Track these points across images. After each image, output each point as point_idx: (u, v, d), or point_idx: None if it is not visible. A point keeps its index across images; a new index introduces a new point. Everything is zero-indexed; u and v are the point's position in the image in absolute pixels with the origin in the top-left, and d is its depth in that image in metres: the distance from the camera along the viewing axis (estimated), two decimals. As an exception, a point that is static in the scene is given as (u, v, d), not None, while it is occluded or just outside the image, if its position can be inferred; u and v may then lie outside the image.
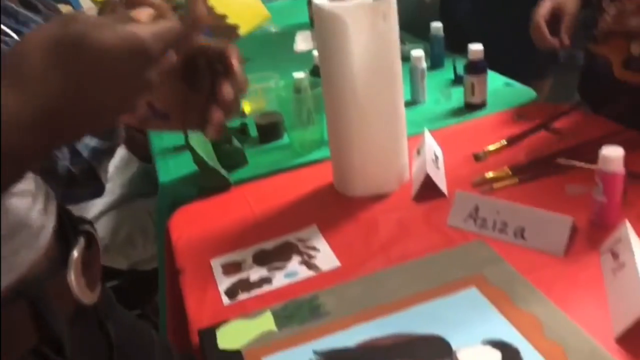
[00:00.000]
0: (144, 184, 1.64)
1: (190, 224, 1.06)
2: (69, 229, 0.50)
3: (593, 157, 0.85)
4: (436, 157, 1.07)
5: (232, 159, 1.19)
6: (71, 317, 0.48)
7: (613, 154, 0.80)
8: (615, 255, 0.76)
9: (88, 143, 0.87)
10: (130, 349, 0.62)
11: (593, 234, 0.85)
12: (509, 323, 0.69)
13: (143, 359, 0.67)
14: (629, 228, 0.77)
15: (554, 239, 0.83)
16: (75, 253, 0.47)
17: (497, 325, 0.69)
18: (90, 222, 0.53)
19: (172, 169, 1.26)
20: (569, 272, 0.79)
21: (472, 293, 0.75)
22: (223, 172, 1.13)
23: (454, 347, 0.67)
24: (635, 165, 0.86)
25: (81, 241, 0.48)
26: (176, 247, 0.99)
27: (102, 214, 1.51)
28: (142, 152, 1.68)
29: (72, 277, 0.46)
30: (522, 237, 0.85)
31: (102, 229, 1.51)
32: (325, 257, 0.90)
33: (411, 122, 1.11)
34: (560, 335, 0.66)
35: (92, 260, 0.50)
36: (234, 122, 1.36)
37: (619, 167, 0.81)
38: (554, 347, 0.65)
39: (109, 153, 0.98)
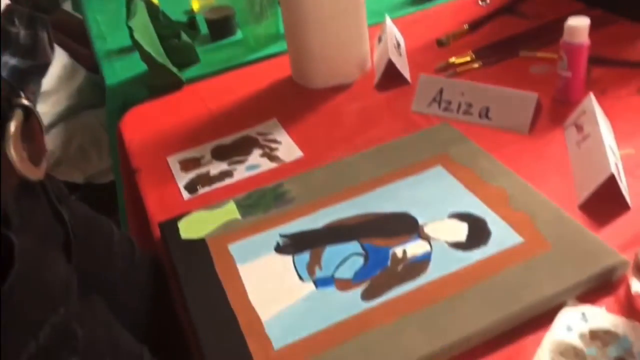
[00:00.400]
0: (92, 94, 1.55)
1: (143, 124, 1.00)
2: (4, 102, 0.45)
3: (558, 37, 0.82)
4: (398, 44, 1.03)
5: (182, 56, 1.12)
6: (17, 192, 0.46)
7: (579, 24, 0.78)
8: (579, 128, 0.76)
9: (7, 61, 0.79)
10: (87, 237, 0.59)
11: (557, 110, 0.84)
12: (475, 197, 0.69)
13: (102, 248, 0.64)
14: (593, 100, 0.76)
15: (519, 117, 0.82)
16: (12, 125, 0.43)
17: (464, 199, 0.69)
18: (28, 98, 0.48)
19: (119, 71, 1.18)
20: (534, 148, 0.78)
21: (437, 171, 0.74)
22: (173, 69, 1.07)
23: (420, 222, 0.66)
24: (599, 45, 0.84)
25: (18, 114, 0.44)
26: (130, 147, 0.94)
27: (50, 126, 1.43)
28: (88, 62, 1.57)
29: (12, 150, 0.43)
30: (487, 117, 0.84)
31: (52, 141, 1.43)
32: (288, 149, 0.87)
33: (371, 12, 1.05)
34: (526, 205, 0.66)
35: (32, 134, 0.46)
36: (182, 18, 1.28)
37: (584, 38, 0.79)
38: (520, 216, 0.65)
39: (37, 73, 0.90)
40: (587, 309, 0.55)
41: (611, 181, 0.65)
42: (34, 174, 0.45)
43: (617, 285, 0.58)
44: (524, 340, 0.55)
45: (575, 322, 0.54)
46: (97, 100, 1.55)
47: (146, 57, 1.02)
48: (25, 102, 0.47)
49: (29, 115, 0.46)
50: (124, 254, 0.67)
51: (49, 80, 1.42)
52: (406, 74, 0.97)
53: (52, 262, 0.48)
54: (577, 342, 0.52)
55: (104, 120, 1.48)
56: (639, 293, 0.55)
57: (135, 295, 0.68)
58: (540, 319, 0.56)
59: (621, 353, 0.51)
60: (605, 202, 0.66)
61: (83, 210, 0.63)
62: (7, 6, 1.21)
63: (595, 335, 0.53)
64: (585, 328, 0.53)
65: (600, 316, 0.54)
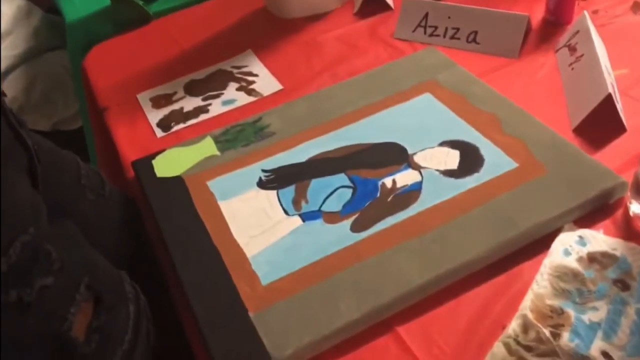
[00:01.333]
0: (51, 35, 1.45)
1: (109, 61, 0.93)
2: None
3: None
4: (378, -32, 0.96)
5: (148, -12, 1.04)
6: None
7: (573, -64, 0.73)
8: (572, 49, 0.72)
9: None
10: (54, 168, 0.55)
11: (547, 32, 0.80)
12: (466, 123, 0.65)
13: (69, 180, 0.60)
14: (587, 18, 0.72)
15: (509, 40, 0.77)
16: None
17: (454, 126, 0.65)
18: None
19: (79, 6, 1.09)
20: (525, 72, 0.75)
21: (426, 99, 0.70)
22: (139, 2, 0.99)
23: (410, 151, 0.63)
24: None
25: None
26: (96, 86, 0.88)
27: (8, 70, 1.34)
28: (44, 2, 1.47)
29: None
30: (475, 41, 0.79)
31: (13, 87, 1.35)
32: (265, 82, 0.82)
33: None
34: (519, 129, 0.63)
35: None
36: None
37: (578, -47, 0.75)
38: (513, 141, 0.62)
39: None
40: (585, 232, 0.53)
41: (607, 102, 0.62)
42: None
43: (614, 207, 0.56)
44: (521, 266, 0.53)
45: (573, 246, 0.52)
46: (57, 42, 1.46)
47: (108, -12, 0.95)
48: None
49: None
50: (93, 186, 0.64)
51: (2, 22, 1.33)
52: (388, -1, 0.92)
53: (16, 183, 0.45)
54: (576, 266, 0.50)
55: (67, 62, 1.40)
56: (638, 214, 0.53)
57: (108, 228, 0.64)
58: (537, 244, 0.54)
59: (620, 275, 0.49)
60: (600, 125, 0.64)
61: (47, 144, 0.59)
62: None
63: (594, 258, 0.51)
64: (583, 251, 0.51)
65: (598, 239, 0.52)
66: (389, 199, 0.58)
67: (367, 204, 0.58)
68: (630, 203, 0.54)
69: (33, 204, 0.44)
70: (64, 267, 0.44)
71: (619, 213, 0.56)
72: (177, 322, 0.56)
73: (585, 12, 0.73)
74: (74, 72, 1.05)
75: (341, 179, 0.62)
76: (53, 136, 1.48)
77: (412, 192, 0.58)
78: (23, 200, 0.43)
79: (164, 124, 0.77)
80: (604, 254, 0.51)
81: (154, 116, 0.78)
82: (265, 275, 0.53)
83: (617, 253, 0.51)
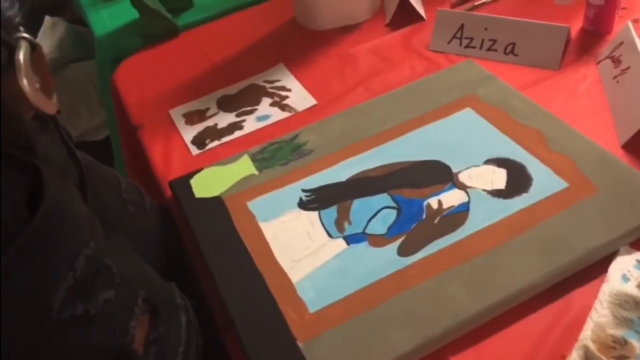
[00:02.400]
0: (75, 47, 1.46)
1: (139, 76, 0.93)
2: (5, 36, 0.41)
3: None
4: (409, -22, 0.95)
5: (175, 1, 1.04)
6: (34, 126, 0.44)
7: (617, -55, 0.71)
8: (616, 61, 0.70)
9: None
10: (96, 181, 0.55)
11: (586, 43, 0.79)
12: (511, 140, 0.64)
13: (111, 193, 0.60)
14: (632, 29, 0.70)
15: (548, 52, 0.76)
16: (21, 55, 0.41)
17: (499, 143, 0.64)
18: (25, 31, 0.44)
19: (107, 20, 1.09)
20: (566, 85, 0.73)
21: (467, 114, 0.68)
22: (168, 15, 0.99)
23: (454, 170, 0.62)
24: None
25: (24, 44, 0.42)
26: (127, 102, 0.88)
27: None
28: (67, 12, 1.48)
29: (24, 81, 0.41)
30: (514, 53, 0.78)
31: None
32: (299, 97, 0.81)
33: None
34: (566, 146, 0.61)
35: (40, 66, 0.44)
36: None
37: (621, -38, 0.73)
38: (561, 159, 0.60)
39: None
40: (642, 255, 0.51)
41: (659, 117, 0.60)
42: (47, 106, 0.44)
43: (671, 229, 0.54)
44: (574, 293, 0.51)
45: (631, 271, 0.50)
46: (81, 53, 1.46)
47: (138, 3, 0.94)
48: (27, 35, 0.43)
49: (34, 47, 0.43)
50: (134, 200, 0.64)
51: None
52: (421, 10, 0.90)
53: (75, 197, 0.45)
54: (636, 292, 0.48)
55: (91, 73, 1.40)
56: (698, 237, 0.52)
57: (151, 241, 0.64)
58: (591, 269, 0.52)
59: (683, 301, 0.47)
60: (650, 140, 0.62)
61: (88, 158, 0.59)
62: None
63: (654, 284, 0.49)
64: (642, 276, 0.50)
65: (656, 263, 0.51)
66: (436, 221, 0.57)
67: (414, 226, 0.57)
68: (688, 225, 0.52)
69: (90, 218, 0.44)
70: (123, 281, 0.44)
71: (677, 235, 0.54)
72: (217, 337, 0.55)
73: (629, 23, 0.71)
74: (102, 86, 1.05)
75: (384, 199, 0.60)
76: (78, 147, 1.49)
77: (460, 214, 0.57)
78: (82, 214, 0.44)
79: (199, 141, 0.76)
80: (665, 280, 0.49)
81: (188, 133, 0.78)
82: (312, 302, 0.52)
83: (678, 278, 0.49)
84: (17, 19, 0.43)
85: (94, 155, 0.67)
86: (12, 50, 0.41)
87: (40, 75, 0.44)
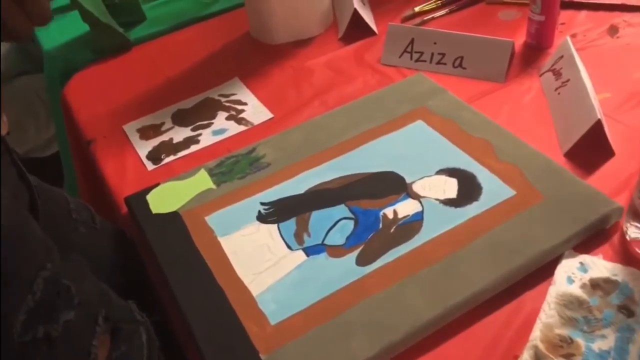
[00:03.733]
0: (21, 61, 1.41)
1: (90, 90, 0.92)
2: None
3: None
4: (361, -7, 0.98)
5: (126, 14, 1.03)
6: None
7: (554, -35, 0.75)
8: (557, 74, 0.74)
9: None
10: (45, 203, 0.54)
11: (530, 56, 0.83)
12: (461, 150, 0.66)
13: (61, 215, 0.60)
14: (570, 43, 0.74)
15: (494, 65, 0.79)
16: None
17: (449, 154, 0.66)
18: None
19: (56, 33, 1.07)
20: (512, 96, 0.77)
21: (419, 126, 0.71)
22: (119, 29, 0.98)
23: (408, 180, 0.64)
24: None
25: None
26: (79, 117, 0.86)
27: (-23, 97, 1.30)
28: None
29: None
30: (462, 66, 0.81)
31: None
32: (255, 110, 0.81)
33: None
34: (513, 156, 0.64)
35: None
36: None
37: (559, -20, 0.77)
38: (509, 167, 0.63)
39: None
40: (585, 258, 0.54)
41: (597, 127, 0.64)
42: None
43: (610, 232, 0.58)
44: (525, 296, 0.53)
45: (575, 273, 0.53)
46: (27, 67, 1.42)
47: (87, 16, 0.93)
48: None
49: None
50: (84, 219, 0.63)
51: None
52: (372, 24, 0.93)
53: (29, 220, 0.44)
54: (580, 293, 0.51)
55: (38, 87, 1.36)
56: (635, 239, 0.55)
57: (104, 261, 0.63)
58: (538, 273, 0.55)
59: (623, 300, 0.50)
60: (589, 149, 0.65)
61: (34, 178, 0.58)
62: None
63: (596, 285, 0.52)
64: (585, 278, 0.53)
65: (598, 265, 0.54)
66: (392, 230, 0.58)
67: (371, 235, 0.58)
68: (626, 228, 0.56)
69: (45, 240, 0.43)
70: (83, 301, 0.43)
71: (616, 238, 0.57)
72: (179, 354, 0.55)
73: (568, 38, 0.76)
74: (52, 101, 1.03)
75: (342, 210, 0.62)
76: (25, 164, 1.44)
77: (414, 223, 0.59)
78: (37, 236, 0.43)
79: (154, 156, 0.75)
80: (606, 280, 0.52)
81: (143, 148, 0.77)
82: (273, 314, 0.52)
83: (618, 279, 0.52)
84: None
85: (43, 172, 0.66)
86: None
87: None
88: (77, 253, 0.56)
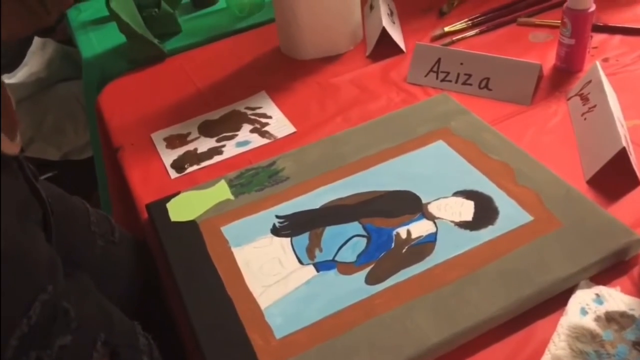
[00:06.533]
0: (65, 66, 1.47)
1: (123, 99, 0.95)
2: None
3: (558, 3, 0.79)
4: (391, 12, 0.98)
5: (163, 26, 1.06)
6: None
7: (585, -11, 0.74)
8: (584, 99, 0.73)
9: None
10: (64, 217, 0.55)
11: (558, 79, 0.81)
12: (480, 172, 0.66)
13: (80, 228, 0.61)
14: (599, 68, 0.73)
15: (521, 88, 0.78)
16: None
17: (468, 175, 0.65)
18: None
19: (95, 43, 1.11)
20: (537, 120, 0.75)
21: (439, 146, 0.70)
22: (154, 40, 1.01)
23: (424, 200, 0.63)
24: (599, 9, 0.80)
25: None
26: (110, 124, 0.89)
27: (20, 100, 1.36)
28: (57, 32, 1.49)
29: None
30: (487, 87, 0.80)
31: (23, 117, 1.36)
32: (279, 124, 0.82)
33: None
34: (533, 180, 0.63)
35: (4, 107, 0.44)
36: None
37: (589, 4, 0.76)
38: (527, 193, 0.62)
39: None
40: (602, 289, 0.53)
41: (621, 155, 0.62)
42: (9, 148, 0.43)
43: (630, 264, 0.56)
44: (536, 324, 0.52)
45: (590, 305, 0.52)
46: (69, 73, 1.48)
47: (125, 27, 0.96)
48: None
49: None
50: (103, 233, 0.64)
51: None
52: (401, 43, 0.93)
53: (34, 240, 0.45)
54: (593, 326, 0.50)
55: (78, 93, 1.42)
56: (655, 272, 0.53)
57: (119, 275, 0.64)
58: (552, 301, 0.53)
59: (639, 336, 0.49)
60: (614, 177, 0.64)
61: (56, 190, 0.59)
62: None
63: (611, 318, 0.50)
64: (600, 310, 0.51)
65: (615, 297, 0.52)
66: (404, 250, 0.58)
67: (382, 255, 0.58)
68: (646, 261, 0.54)
69: (50, 260, 0.44)
70: (81, 325, 0.43)
71: (635, 270, 0.55)
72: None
73: (597, 63, 0.74)
74: (88, 107, 1.07)
75: (355, 227, 0.62)
76: (62, 165, 1.50)
77: (427, 244, 0.58)
78: (41, 257, 0.43)
79: (178, 165, 0.77)
80: (622, 314, 0.51)
81: (168, 157, 0.79)
82: (279, 328, 0.53)
83: (636, 313, 0.50)
84: None
85: (80, 174, 0.68)
86: None
87: (5, 117, 0.43)
88: (93, 266, 0.57)
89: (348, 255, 0.59)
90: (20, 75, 1.35)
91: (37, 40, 1.46)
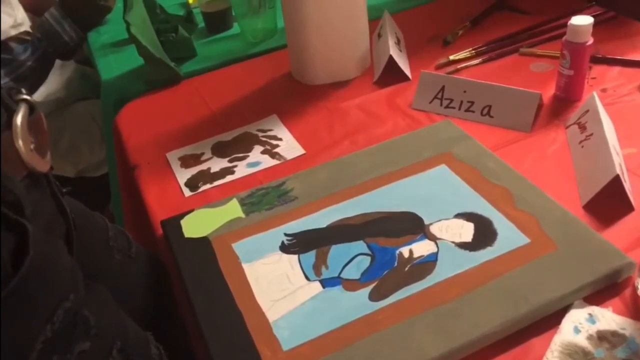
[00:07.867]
0: (81, 86, 1.52)
1: (141, 119, 0.99)
2: (6, 99, 0.45)
3: (559, 35, 0.82)
4: (398, 40, 1.02)
5: (180, 50, 1.11)
6: (26, 183, 0.47)
7: (583, 23, 0.78)
8: (582, 127, 0.76)
9: None
10: (84, 231, 0.58)
11: (558, 108, 0.85)
12: (480, 196, 0.69)
13: (98, 242, 0.64)
14: (596, 99, 0.76)
15: (521, 115, 0.82)
16: (19, 118, 0.45)
17: (469, 199, 0.69)
18: (27, 93, 0.48)
19: (114, 65, 1.16)
20: (536, 147, 0.79)
21: (442, 170, 0.74)
22: (171, 63, 1.05)
23: (426, 222, 0.66)
24: (597, 41, 0.84)
25: (23, 107, 0.45)
26: (127, 143, 0.93)
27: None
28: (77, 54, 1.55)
29: (20, 142, 0.44)
30: (489, 115, 0.84)
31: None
32: (289, 146, 0.86)
33: (370, 7, 1.04)
34: (531, 204, 0.66)
35: (37, 127, 0.47)
36: (179, 11, 1.26)
37: (587, 37, 0.79)
38: (525, 216, 0.65)
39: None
40: (594, 309, 0.55)
41: (616, 182, 0.65)
42: (41, 165, 0.47)
43: (622, 286, 0.58)
44: (531, 342, 0.55)
45: (582, 324, 0.54)
46: (86, 92, 1.53)
47: (144, 51, 1.01)
48: (27, 97, 0.47)
49: (33, 109, 0.47)
50: (120, 247, 0.67)
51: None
52: (407, 70, 0.97)
53: (58, 252, 0.48)
54: (586, 344, 0.52)
55: (95, 112, 1.46)
56: (646, 294, 0.56)
57: (134, 289, 0.67)
58: (547, 320, 0.56)
59: (629, 355, 0.51)
60: (609, 203, 0.67)
61: (78, 206, 0.63)
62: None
63: (603, 337, 0.53)
64: (593, 329, 0.54)
65: (607, 317, 0.55)
66: (406, 269, 0.61)
67: (385, 273, 0.61)
68: (637, 283, 0.57)
69: (72, 271, 0.47)
70: (99, 332, 0.46)
71: (627, 292, 0.58)
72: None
73: (595, 93, 0.77)
74: (105, 127, 1.11)
75: (360, 246, 0.65)
76: (77, 182, 1.53)
77: (428, 263, 0.61)
78: (65, 267, 0.46)
79: (192, 184, 0.81)
80: (614, 333, 0.53)
81: (183, 175, 0.83)
82: (286, 340, 0.55)
83: (627, 333, 0.53)
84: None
85: (93, 190, 0.71)
86: (11, 113, 0.44)
87: (36, 135, 0.46)
88: (110, 280, 0.60)
89: (353, 272, 0.62)
90: (39, 94, 1.40)
91: (56, 62, 1.52)
